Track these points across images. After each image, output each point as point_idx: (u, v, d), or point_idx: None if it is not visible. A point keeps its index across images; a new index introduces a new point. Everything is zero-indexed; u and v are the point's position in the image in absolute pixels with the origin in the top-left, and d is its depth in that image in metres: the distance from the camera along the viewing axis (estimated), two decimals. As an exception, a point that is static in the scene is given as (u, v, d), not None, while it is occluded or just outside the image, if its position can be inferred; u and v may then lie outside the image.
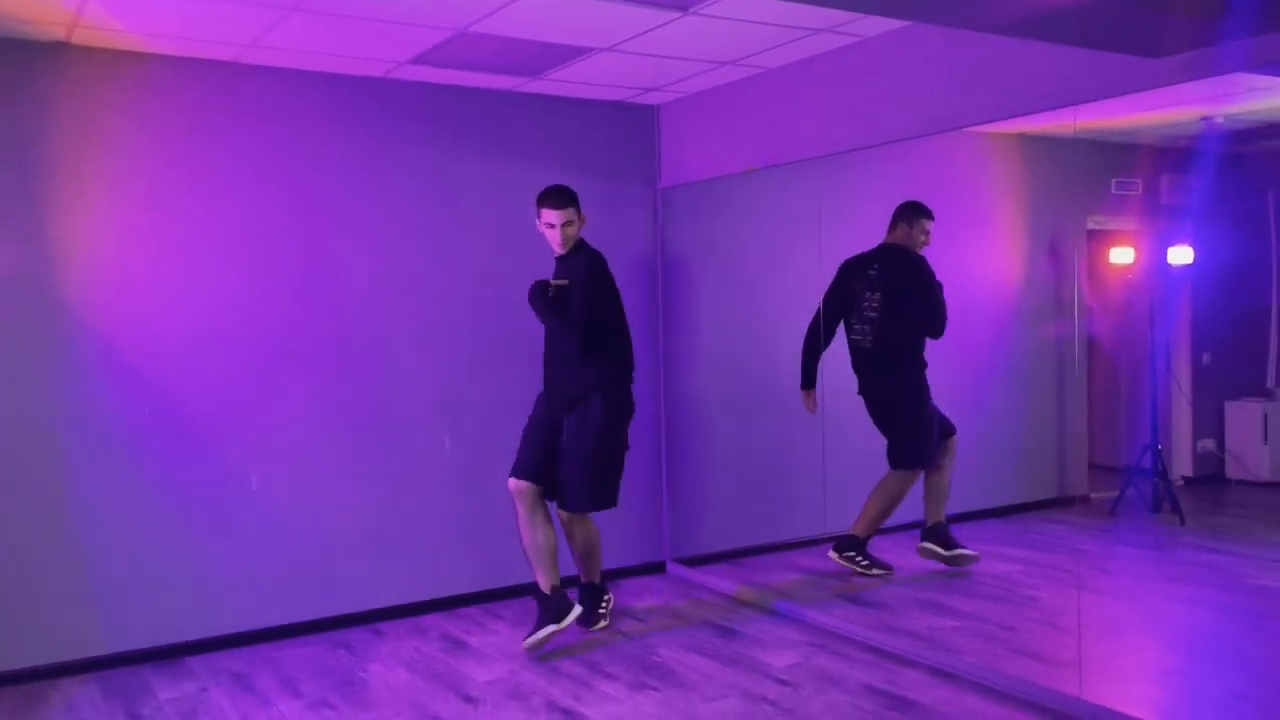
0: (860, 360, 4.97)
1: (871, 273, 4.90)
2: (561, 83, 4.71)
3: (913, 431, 4.91)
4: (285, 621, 4.37)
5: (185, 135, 4.18)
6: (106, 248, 4.05)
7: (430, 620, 4.57)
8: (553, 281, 4.11)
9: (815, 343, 5.00)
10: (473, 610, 4.70)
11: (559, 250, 4.14)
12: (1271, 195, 6.25)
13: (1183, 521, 5.76)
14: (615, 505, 4.26)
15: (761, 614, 4.57)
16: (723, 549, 5.45)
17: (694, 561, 5.32)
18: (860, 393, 4.98)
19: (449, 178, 4.75)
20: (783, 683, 3.71)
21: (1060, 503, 6.13)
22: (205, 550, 4.23)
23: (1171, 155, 6.08)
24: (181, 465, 4.19)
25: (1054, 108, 3.43)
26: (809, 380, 5.02)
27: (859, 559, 4.92)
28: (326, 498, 4.47)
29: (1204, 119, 5.38)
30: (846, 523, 5.00)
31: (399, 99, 4.61)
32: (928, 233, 4.89)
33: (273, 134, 4.36)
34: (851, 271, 4.95)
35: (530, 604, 4.69)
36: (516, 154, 4.89)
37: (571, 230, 4.10)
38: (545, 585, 4.13)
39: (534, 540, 4.15)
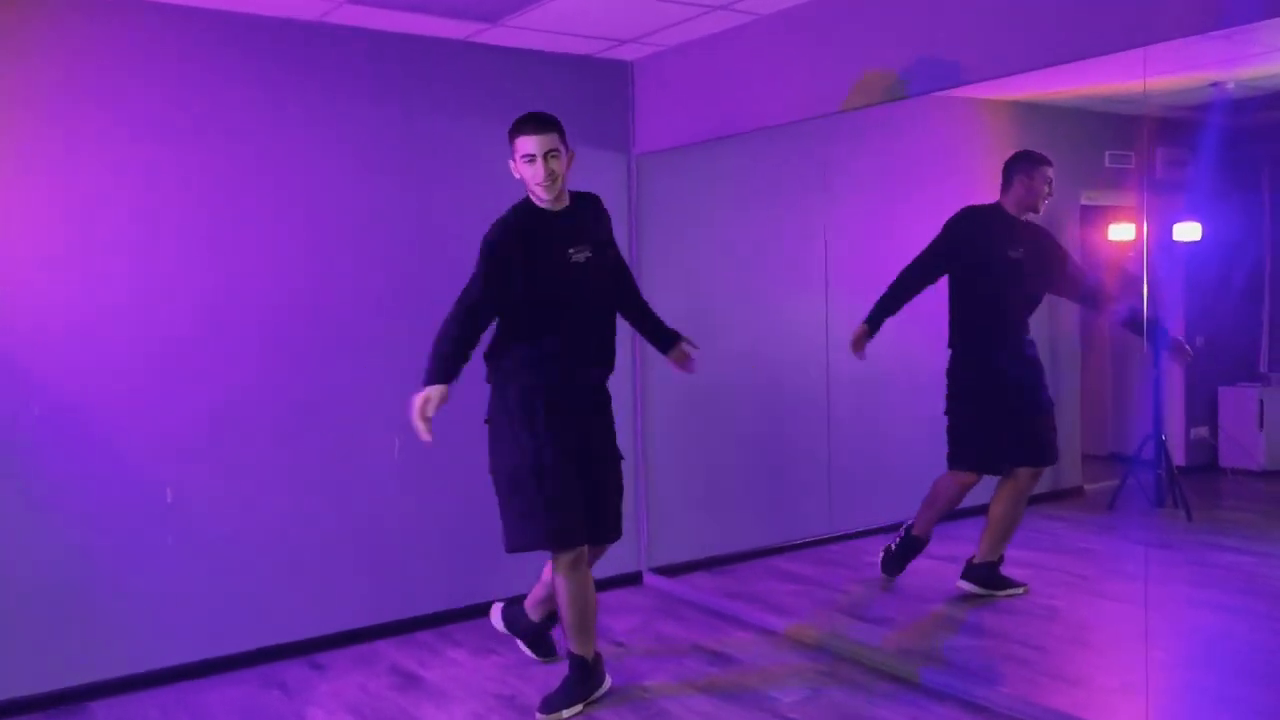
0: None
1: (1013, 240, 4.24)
2: (523, 30, 4.11)
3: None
4: (208, 656, 3.75)
5: (84, 85, 3.51)
6: (-17, 218, 3.38)
7: (378, 648, 3.97)
8: (573, 251, 3.22)
9: (914, 288, 4.30)
10: (427, 636, 4.11)
11: (542, 193, 3.16)
12: (1267, 171, 5.96)
13: (1189, 517, 5.43)
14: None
15: (757, 635, 4.05)
16: (704, 556, 4.94)
17: (673, 571, 4.80)
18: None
19: (396, 138, 4.13)
20: (796, 723, 3.20)
21: (1054, 496, 5.79)
22: (111, 576, 3.58)
23: (1168, 127, 5.77)
24: (79, 477, 3.53)
25: (1120, 49, 2.92)
26: (878, 323, 4.27)
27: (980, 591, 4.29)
28: (256, 511, 3.84)
29: (1214, 84, 5.02)
30: (854, 522, 4.50)
31: (337, 46, 3.98)
32: (1051, 183, 4.22)
33: (189, 83, 3.70)
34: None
35: (488, 628, 4.11)
36: (472, 113, 4.29)
37: (557, 164, 3.15)
38: (591, 653, 3.37)
39: (589, 603, 3.31)
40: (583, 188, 4.30)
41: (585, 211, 3.35)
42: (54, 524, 3.49)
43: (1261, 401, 6.01)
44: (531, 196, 3.24)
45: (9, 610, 3.42)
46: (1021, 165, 4.22)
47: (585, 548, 3.27)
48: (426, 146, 4.20)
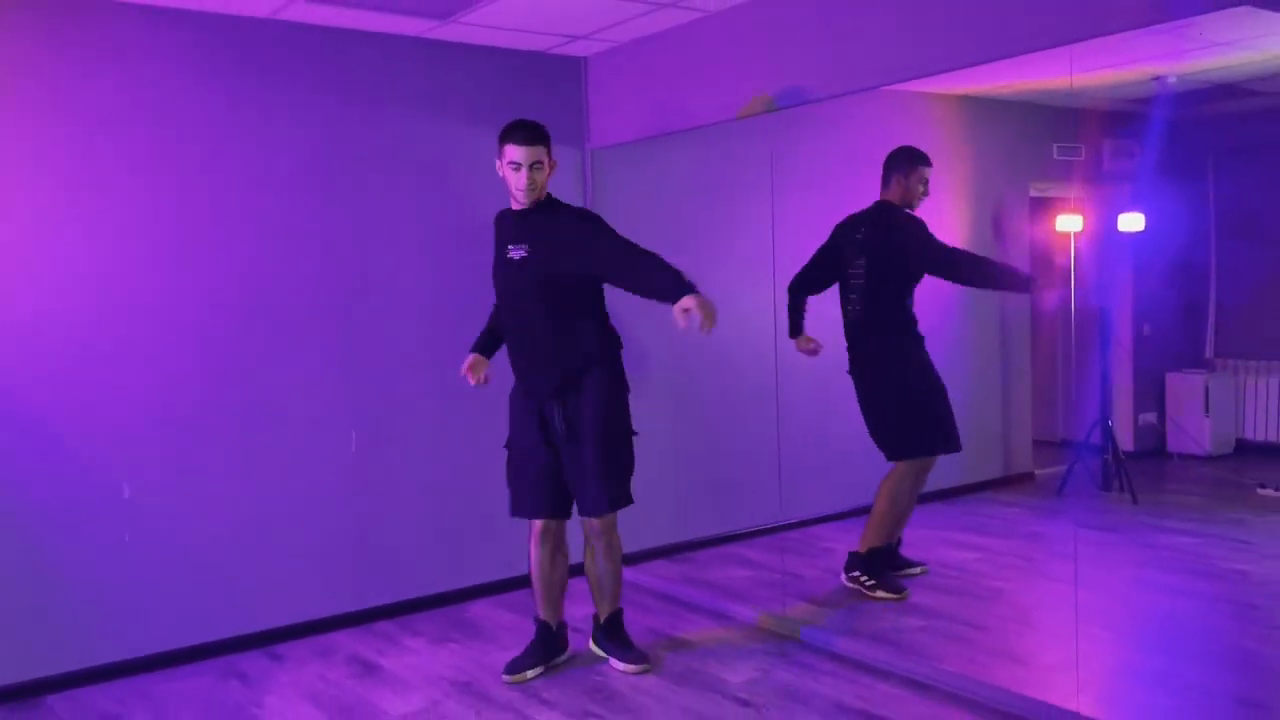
0: (851, 333, 4.36)
1: (859, 236, 4.30)
2: (475, 27, 4.15)
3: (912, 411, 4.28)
4: (166, 648, 3.78)
5: (26, 79, 3.52)
6: (-67, 215, 3.38)
7: (337, 639, 4.02)
8: (512, 248, 3.41)
9: (798, 292, 4.44)
10: (385, 625, 4.16)
11: (522, 199, 3.36)
12: (1211, 161, 6.10)
13: (1135, 500, 5.58)
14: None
15: (711, 619, 4.13)
16: (662, 544, 5.01)
17: (633, 559, 4.86)
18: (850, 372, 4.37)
19: (346, 137, 4.16)
20: (743, 703, 3.28)
21: (1006, 482, 5.92)
22: (68, 570, 3.61)
23: (1115, 120, 5.88)
24: (34, 472, 3.55)
25: (1043, 48, 3.02)
26: (796, 328, 4.43)
27: (863, 578, 4.25)
28: (213, 504, 3.88)
29: (1156, 79, 5.14)
30: (802, 511, 4.59)
31: (288, 43, 4.01)
32: (926, 182, 4.28)
33: (141, 81, 3.71)
34: (840, 235, 4.38)
35: (449, 615, 4.20)
36: (426, 110, 4.33)
37: (541, 175, 3.35)
38: (554, 621, 3.67)
39: (551, 574, 3.63)
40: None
41: (537, 217, 3.43)
42: (8, 518, 3.50)
43: (1207, 388, 6.14)
44: (511, 199, 3.45)
45: (-36, 606, 3.44)
46: (900, 164, 4.26)
47: (546, 522, 3.56)
48: (379, 143, 4.24)
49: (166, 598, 3.79)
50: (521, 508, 3.57)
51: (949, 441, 4.30)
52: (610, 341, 3.52)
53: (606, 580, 3.63)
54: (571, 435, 3.42)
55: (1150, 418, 6.40)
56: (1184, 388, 6.23)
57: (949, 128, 5.60)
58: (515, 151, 3.31)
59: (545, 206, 3.45)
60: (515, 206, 3.45)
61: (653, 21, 4.15)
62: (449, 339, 4.27)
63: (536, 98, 4.59)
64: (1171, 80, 5.17)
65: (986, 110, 5.57)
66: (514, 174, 3.34)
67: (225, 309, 3.90)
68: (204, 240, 3.86)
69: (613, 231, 3.41)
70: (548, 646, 3.63)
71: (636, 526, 4.91)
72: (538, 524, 3.56)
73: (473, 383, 3.60)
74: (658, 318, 4.65)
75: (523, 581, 4.56)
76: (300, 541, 4.07)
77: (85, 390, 3.64)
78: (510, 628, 4.08)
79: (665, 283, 3.17)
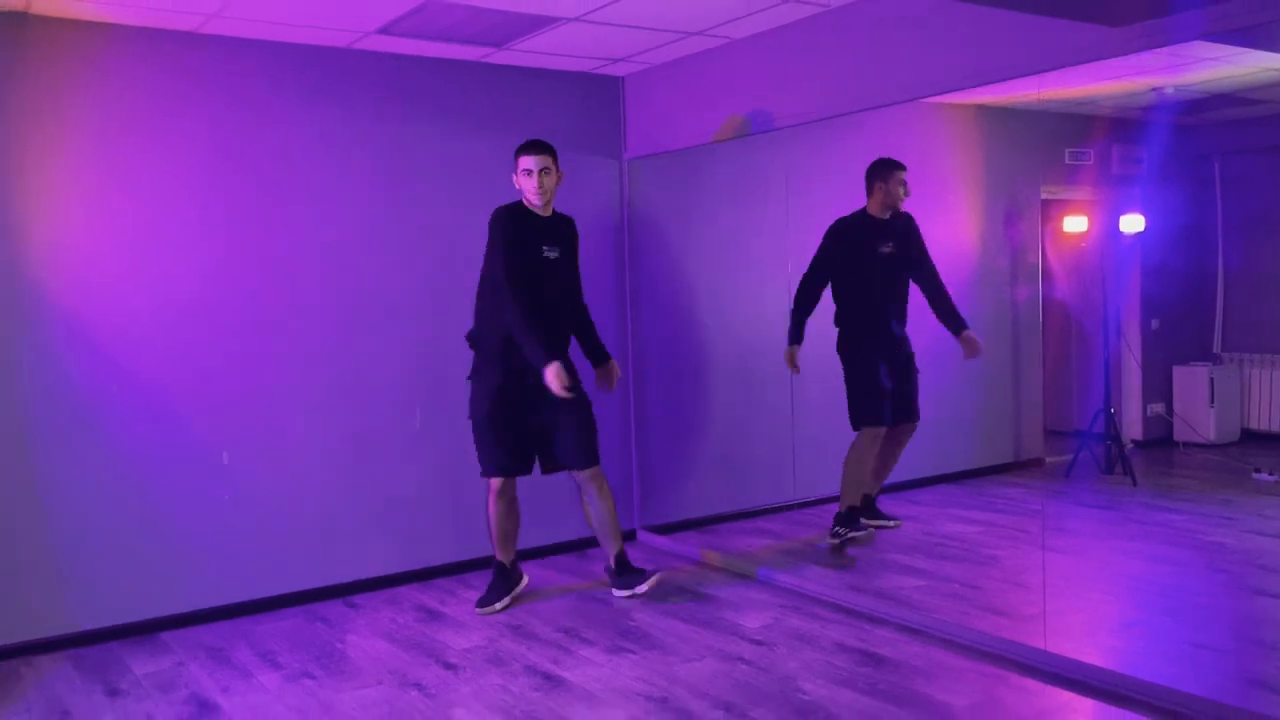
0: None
1: (889, 240, 4.93)
2: (527, 53, 4.70)
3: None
4: (259, 595, 4.37)
5: (147, 108, 4.12)
6: (68, 223, 3.99)
7: (405, 592, 4.59)
8: (547, 248, 4.16)
9: (807, 301, 4.98)
10: (445, 581, 4.73)
11: (536, 200, 4.11)
12: (1217, 163, 6.41)
13: (1134, 483, 5.94)
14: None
15: (733, 579, 4.64)
16: (692, 516, 5.52)
17: (664, 529, 5.39)
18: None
19: (414, 150, 4.73)
20: (757, 643, 3.79)
21: (1016, 466, 6.28)
22: (178, 526, 4.21)
23: (1123, 126, 6.20)
24: (152, 441, 4.16)
25: (1020, 75, 3.49)
26: (797, 336, 4.97)
27: (839, 529, 4.91)
28: (298, 471, 4.47)
29: (1155, 89, 5.50)
30: (815, 489, 5.07)
31: (363, 70, 4.58)
32: (905, 184, 4.86)
33: (234, 106, 4.31)
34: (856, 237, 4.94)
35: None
36: (482, 126, 4.88)
37: (550, 181, 4.10)
38: (508, 559, 4.38)
39: (509, 523, 4.35)
40: (580, 189, 4.94)
41: (560, 225, 4.26)
42: (132, 479, 4.11)
43: (1212, 380, 6.44)
44: (525, 201, 4.17)
45: (94, 554, 4.05)
46: (879, 172, 4.84)
47: (508, 480, 4.27)
48: (441, 156, 4.80)
49: (259, 551, 4.38)
50: (505, 468, 4.22)
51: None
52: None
53: (608, 517, 4.34)
54: (568, 408, 4.12)
55: (1159, 408, 6.68)
56: (1190, 380, 6.52)
57: (964, 135, 5.96)
58: (528, 160, 4.09)
59: (559, 216, 4.26)
60: (533, 208, 4.17)
61: (684, 46, 4.66)
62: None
63: (580, 113, 5.13)
64: (1169, 90, 5.52)
65: (1000, 117, 5.92)
66: (527, 179, 4.10)
67: (311, 309, 4.48)
68: (291, 245, 4.44)
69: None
70: (508, 580, 4.36)
71: (665, 501, 5.45)
72: (499, 482, 4.24)
73: (567, 394, 4.07)
74: (691, 313, 5.19)
75: (565, 547, 5.13)
76: (372, 506, 4.64)
77: (193, 372, 4.24)
78: (553, 583, 4.62)
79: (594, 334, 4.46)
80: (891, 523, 5.16)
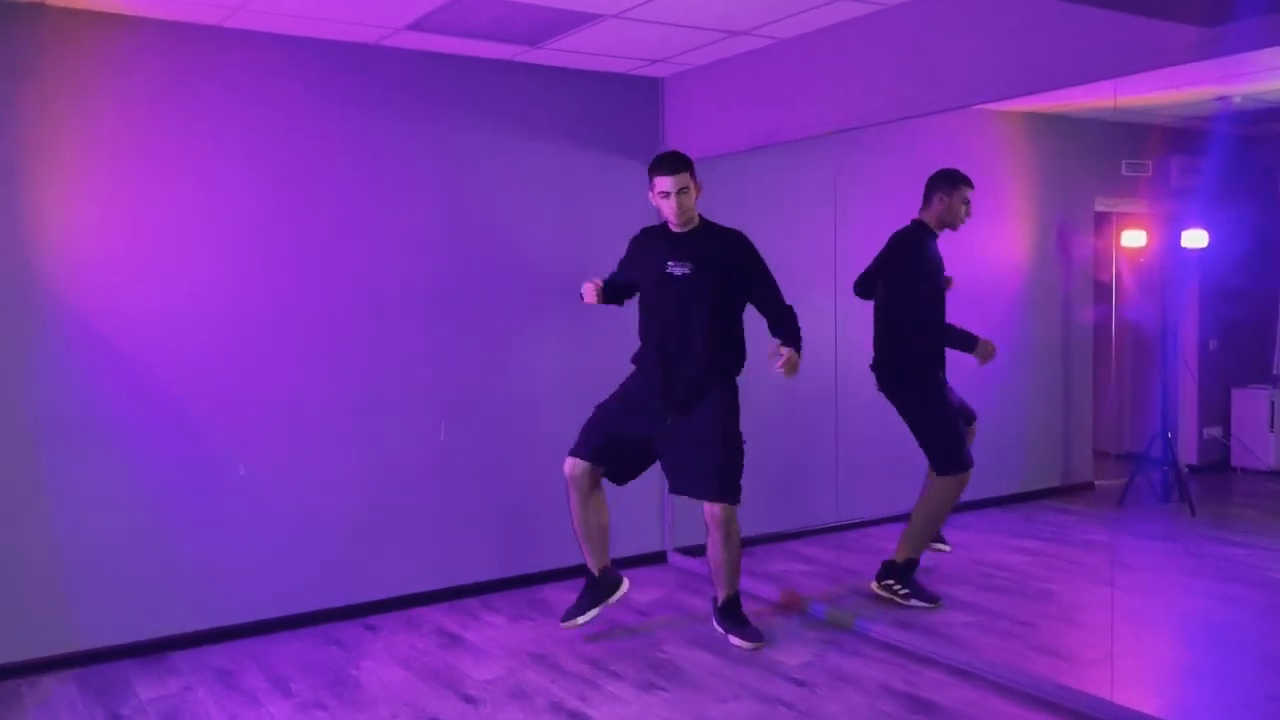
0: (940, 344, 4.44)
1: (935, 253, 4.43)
2: (563, 53, 4.49)
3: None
4: (273, 615, 4.18)
5: (166, 104, 3.95)
6: (81, 222, 3.83)
7: (424, 613, 4.39)
8: (673, 264, 3.82)
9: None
10: (468, 602, 4.52)
11: (675, 222, 3.82)
12: (1280, 178, 6.13)
13: (1193, 512, 5.67)
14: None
15: (769, 608, 4.40)
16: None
17: (697, 551, 5.14)
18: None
19: (445, 151, 4.54)
20: (797, 683, 3.55)
21: (1065, 491, 6.04)
22: (190, 541, 4.03)
23: (1181, 136, 5.95)
24: (164, 452, 3.98)
25: (1099, 79, 3.24)
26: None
27: (897, 588, 4.33)
28: (316, 485, 4.28)
29: (1219, 99, 5.24)
30: (859, 512, 4.82)
31: (392, 68, 4.39)
32: (969, 203, 4.33)
33: (258, 103, 4.13)
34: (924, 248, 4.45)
35: (525, 596, 4.54)
36: (514, 128, 4.68)
37: (688, 199, 3.79)
38: (596, 568, 4.01)
39: (591, 521, 3.96)
40: (615, 195, 4.70)
41: (703, 240, 3.86)
42: (142, 492, 3.94)
43: (1272, 403, 6.16)
44: (668, 223, 3.89)
45: (101, 570, 3.87)
46: (942, 184, 4.33)
47: (585, 469, 3.86)
48: (473, 157, 4.60)
49: (274, 569, 4.19)
50: (586, 449, 3.87)
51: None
52: (741, 357, 3.95)
53: (724, 568, 3.92)
54: (694, 432, 3.80)
55: (1215, 432, 6.41)
56: (1249, 403, 6.26)
57: (1015, 143, 5.74)
58: (664, 182, 3.75)
59: (702, 228, 3.90)
60: (671, 225, 3.87)
61: (726, 47, 4.44)
62: (530, 340, 4.64)
63: (617, 116, 4.92)
64: (1236, 100, 5.25)
65: (1054, 126, 5.68)
66: (665, 201, 3.78)
67: (332, 315, 4.30)
68: (313, 247, 4.26)
69: (764, 263, 3.95)
70: (597, 591, 3.99)
71: (698, 521, 5.20)
72: (577, 467, 3.86)
73: (587, 296, 3.85)
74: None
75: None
76: (392, 523, 4.44)
77: (208, 379, 4.06)
78: (582, 609, 4.40)
79: (787, 332, 3.88)
80: (945, 547, 4.81)
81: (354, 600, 4.35)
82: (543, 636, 4.07)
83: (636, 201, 4.93)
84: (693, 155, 4.91)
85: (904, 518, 4.91)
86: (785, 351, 3.76)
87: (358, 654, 3.92)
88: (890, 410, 4.89)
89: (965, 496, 5.59)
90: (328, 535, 4.30)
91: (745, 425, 5.33)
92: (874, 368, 4.45)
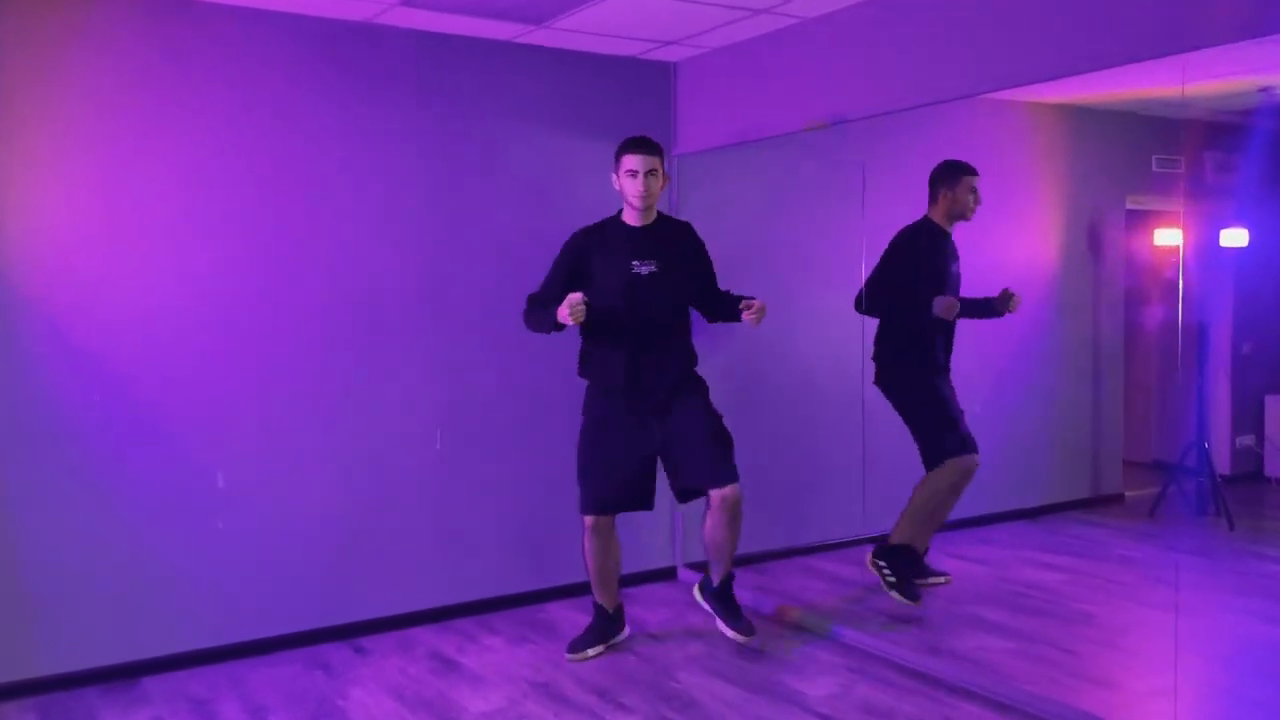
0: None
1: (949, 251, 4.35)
2: (569, 33, 4.19)
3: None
4: (255, 637, 3.88)
5: (142, 84, 3.65)
6: (48, 213, 3.52)
7: (418, 634, 4.08)
8: (638, 264, 3.66)
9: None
10: (465, 623, 4.21)
11: (638, 204, 3.64)
12: (1319, 176, 5.86)
13: (1231, 526, 5.37)
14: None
15: (788, 630, 4.10)
16: (739, 554, 4.97)
17: (706, 566, 4.84)
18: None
19: (440, 139, 4.23)
20: (823, 717, 3.24)
21: (1094, 503, 5.77)
22: (164, 557, 3.72)
23: (1217, 131, 5.68)
24: (137, 462, 3.67)
25: (1153, 57, 2.93)
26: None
27: (886, 571, 4.26)
28: (303, 498, 3.97)
29: (1263, 89, 4.97)
30: (886, 525, 4.56)
31: (387, 47, 4.09)
32: (976, 191, 4.24)
33: (237, 84, 3.83)
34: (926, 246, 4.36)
35: (526, 616, 4.24)
36: (516, 113, 4.38)
37: (656, 184, 3.63)
38: (610, 605, 3.94)
39: (609, 564, 3.88)
40: (623, 187, 4.32)
41: (664, 235, 3.75)
42: (112, 505, 3.63)
43: (1310, 410, 5.91)
44: (625, 208, 3.72)
45: (68, 589, 3.57)
46: (945, 177, 4.25)
47: (609, 518, 3.81)
48: (471, 145, 4.30)
49: (256, 587, 3.88)
50: (602, 506, 3.76)
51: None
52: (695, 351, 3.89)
53: (728, 546, 3.84)
54: (685, 427, 3.71)
55: (1248, 440, 6.15)
56: None
57: (1045, 137, 5.49)
58: (633, 160, 3.60)
59: (661, 223, 3.77)
60: (629, 217, 3.71)
61: (746, 28, 4.14)
62: (530, 344, 4.32)
63: (626, 102, 4.62)
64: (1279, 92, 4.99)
65: (1084, 120, 5.43)
66: (631, 181, 3.62)
67: (319, 311, 3.99)
68: (299, 240, 3.96)
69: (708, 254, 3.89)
70: (606, 628, 3.89)
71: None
72: (598, 519, 3.77)
73: (576, 316, 3.48)
74: (747, 327, 4.65)
75: (600, 585, 4.59)
76: (384, 537, 4.14)
77: (186, 383, 3.75)
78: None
79: (730, 304, 3.82)
80: (942, 580, 4.53)
81: (342, 620, 4.05)
82: (544, 662, 3.77)
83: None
84: (704, 144, 4.65)
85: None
86: (756, 303, 3.68)
87: (345, 680, 3.62)
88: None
89: (989, 508, 5.39)
90: (314, 550, 4.00)
91: (759, 433, 5.04)
92: (875, 359, 4.41)
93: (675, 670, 3.67)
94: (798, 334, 4.98)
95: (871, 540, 4.85)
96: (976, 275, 4.78)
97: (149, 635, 3.71)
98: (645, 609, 4.33)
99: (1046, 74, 3.25)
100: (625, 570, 4.59)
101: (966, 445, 4.21)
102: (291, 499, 3.95)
